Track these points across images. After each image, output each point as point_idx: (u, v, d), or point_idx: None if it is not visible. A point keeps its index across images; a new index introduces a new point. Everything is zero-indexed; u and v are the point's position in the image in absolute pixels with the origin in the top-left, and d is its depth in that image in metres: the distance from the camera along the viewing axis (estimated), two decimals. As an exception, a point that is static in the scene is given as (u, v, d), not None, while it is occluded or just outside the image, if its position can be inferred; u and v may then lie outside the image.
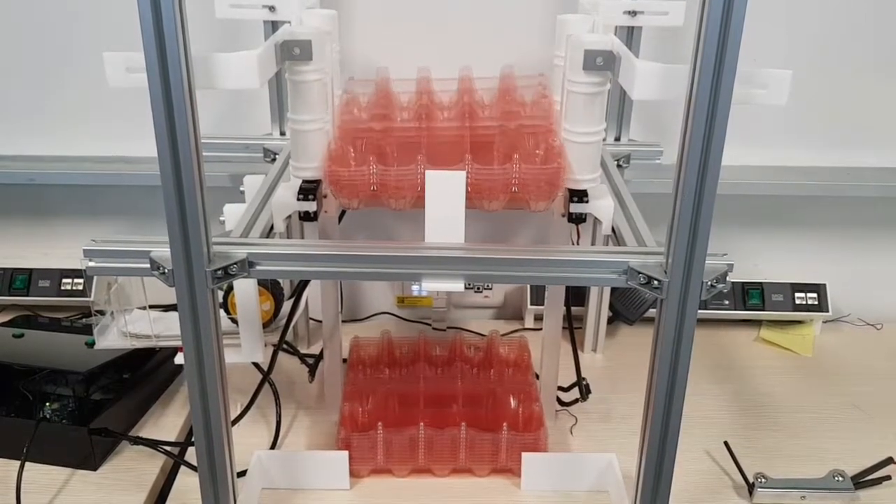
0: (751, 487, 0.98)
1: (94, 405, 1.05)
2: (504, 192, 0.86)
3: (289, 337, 1.24)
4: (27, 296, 1.34)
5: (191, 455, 1.02)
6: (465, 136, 0.90)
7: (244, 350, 0.97)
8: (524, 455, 0.98)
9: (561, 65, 0.98)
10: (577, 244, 0.95)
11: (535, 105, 0.97)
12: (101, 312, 1.02)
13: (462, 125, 0.92)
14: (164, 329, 1.00)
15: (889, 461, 1.02)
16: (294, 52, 0.84)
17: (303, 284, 1.05)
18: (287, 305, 1.04)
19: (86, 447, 0.99)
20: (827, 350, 1.31)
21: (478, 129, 0.92)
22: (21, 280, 1.34)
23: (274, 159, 1.16)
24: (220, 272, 0.76)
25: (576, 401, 1.11)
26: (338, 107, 0.96)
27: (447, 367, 1.15)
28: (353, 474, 1.00)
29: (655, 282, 0.75)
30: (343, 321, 1.24)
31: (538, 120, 0.93)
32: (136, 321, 1.02)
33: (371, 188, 0.87)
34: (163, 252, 0.76)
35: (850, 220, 1.36)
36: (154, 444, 1.03)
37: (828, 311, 1.33)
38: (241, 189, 1.01)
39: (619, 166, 1.18)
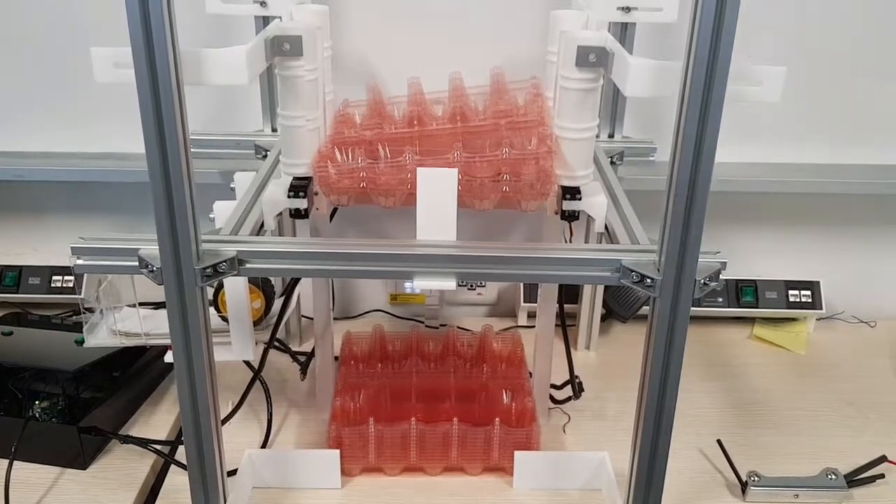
0: (744, 486, 0.98)
1: (84, 403, 1.04)
2: (494, 183, 0.86)
3: (280, 334, 1.24)
4: (17, 293, 1.33)
5: (181, 454, 1.01)
6: (457, 133, 0.90)
7: (235, 348, 0.97)
8: (516, 453, 0.98)
9: (554, 61, 0.98)
10: (570, 242, 0.95)
11: (528, 105, 0.96)
12: (91, 310, 1.02)
13: (454, 126, 0.92)
14: (154, 327, 1.00)
15: (882, 459, 1.02)
16: (284, 48, 0.84)
17: (294, 282, 1.04)
18: (278, 303, 1.03)
19: (75, 446, 0.99)
20: (820, 348, 1.31)
21: (470, 128, 0.91)
22: (11, 277, 1.34)
23: (265, 156, 1.16)
24: (209, 270, 0.75)
25: (569, 399, 1.11)
26: (330, 125, 0.95)
27: (440, 362, 1.14)
28: (345, 473, 0.99)
29: (648, 280, 0.75)
30: (335, 319, 1.23)
31: (530, 116, 0.92)
32: (126, 319, 1.01)
33: (360, 184, 0.87)
34: (151, 250, 0.75)
35: (845, 218, 1.36)
36: (144, 443, 1.02)
37: (821, 308, 1.33)
38: (232, 186, 1.00)
39: (612, 163, 1.17)
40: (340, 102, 0.99)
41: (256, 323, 0.99)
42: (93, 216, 1.36)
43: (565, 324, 1.06)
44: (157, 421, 1.09)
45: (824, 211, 1.35)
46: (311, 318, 1.09)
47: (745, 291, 1.33)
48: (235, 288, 0.93)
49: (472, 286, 1.39)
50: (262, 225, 0.90)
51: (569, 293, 1.15)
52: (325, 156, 0.89)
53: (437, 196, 0.81)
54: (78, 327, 1.05)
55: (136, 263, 0.76)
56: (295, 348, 1.28)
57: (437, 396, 1.05)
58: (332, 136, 0.92)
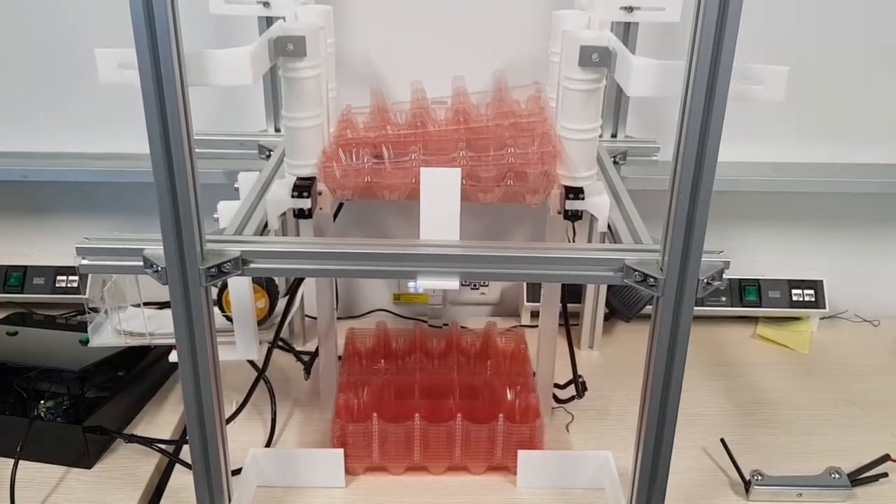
0: (747, 485, 0.98)
1: (89, 403, 1.04)
2: (498, 180, 0.86)
3: (284, 334, 1.24)
4: (22, 293, 1.34)
5: (186, 453, 1.01)
6: (461, 135, 0.90)
7: (239, 348, 0.97)
8: (520, 452, 0.98)
9: (557, 61, 0.98)
10: (573, 241, 0.95)
11: (531, 106, 0.97)
12: (96, 310, 1.02)
13: (458, 127, 0.92)
14: (159, 327, 1.00)
15: (886, 458, 1.02)
16: (288, 49, 0.84)
17: (297, 282, 1.05)
18: (282, 303, 1.03)
19: (80, 445, 0.99)
20: (824, 347, 1.31)
21: (473, 129, 0.92)
22: (16, 277, 1.34)
23: (269, 156, 1.16)
24: (213, 270, 0.76)
25: (572, 398, 1.11)
26: (334, 126, 0.96)
27: (443, 360, 1.14)
28: (349, 472, 0.99)
29: (651, 279, 0.75)
30: (339, 318, 1.24)
31: (533, 117, 0.93)
32: (131, 319, 1.01)
33: (366, 178, 0.87)
34: (156, 250, 0.75)
35: (848, 217, 1.36)
36: (149, 443, 1.03)
37: (825, 307, 1.33)
38: (236, 186, 1.01)
39: (615, 163, 1.17)
40: (344, 108, 0.99)
41: (260, 322, 0.99)
42: (97, 216, 1.37)
43: (568, 323, 1.06)
44: (162, 420, 1.10)
45: (828, 210, 1.35)
46: (315, 318, 1.09)
47: (748, 291, 1.33)
48: (239, 288, 0.93)
49: (475, 286, 1.39)
50: (266, 225, 0.90)
51: (572, 293, 1.15)
52: (330, 156, 0.89)
53: (440, 195, 0.81)
54: (83, 327, 1.06)
55: (141, 263, 0.77)
56: (299, 348, 1.28)
57: (440, 393, 1.05)
58: (337, 138, 0.93)
